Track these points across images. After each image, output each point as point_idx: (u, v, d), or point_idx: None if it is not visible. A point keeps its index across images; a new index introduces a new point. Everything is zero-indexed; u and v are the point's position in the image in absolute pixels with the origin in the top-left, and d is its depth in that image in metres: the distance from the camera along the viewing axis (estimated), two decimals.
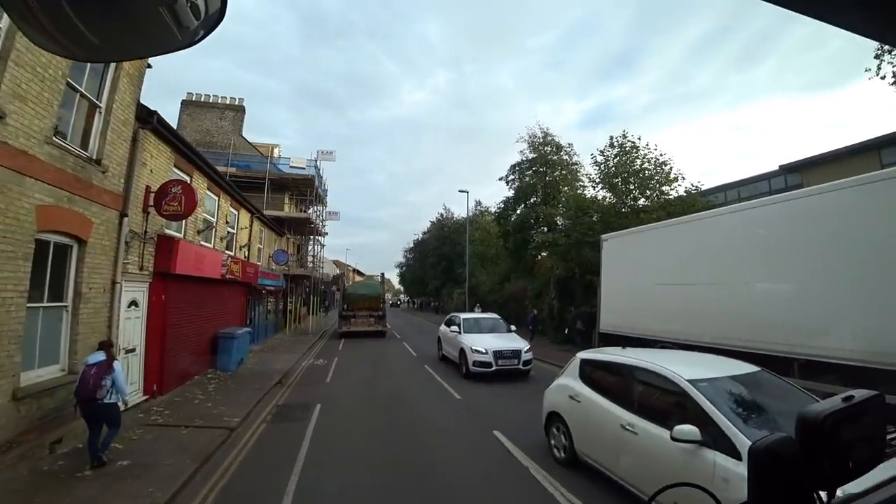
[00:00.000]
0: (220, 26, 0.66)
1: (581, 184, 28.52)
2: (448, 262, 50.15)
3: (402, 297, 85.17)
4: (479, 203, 49.37)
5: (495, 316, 14.57)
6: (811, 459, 0.76)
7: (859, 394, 0.85)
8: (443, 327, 14.65)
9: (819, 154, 19.70)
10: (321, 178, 25.70)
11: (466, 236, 33.53)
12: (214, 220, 12.64)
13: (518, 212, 30.02)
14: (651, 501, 1.29)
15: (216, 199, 12.78)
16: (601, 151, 20.44)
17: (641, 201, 18.57)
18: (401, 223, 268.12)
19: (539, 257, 25.50)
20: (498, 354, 11.30)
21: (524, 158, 30.75)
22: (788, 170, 21.59)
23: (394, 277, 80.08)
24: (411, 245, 62.22)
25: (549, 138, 30.23)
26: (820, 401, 0.90)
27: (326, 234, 29.94)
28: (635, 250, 10.95)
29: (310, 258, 29.95)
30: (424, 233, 59.19)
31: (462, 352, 11.98)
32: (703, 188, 18.91)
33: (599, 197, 20.22)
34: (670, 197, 18.08)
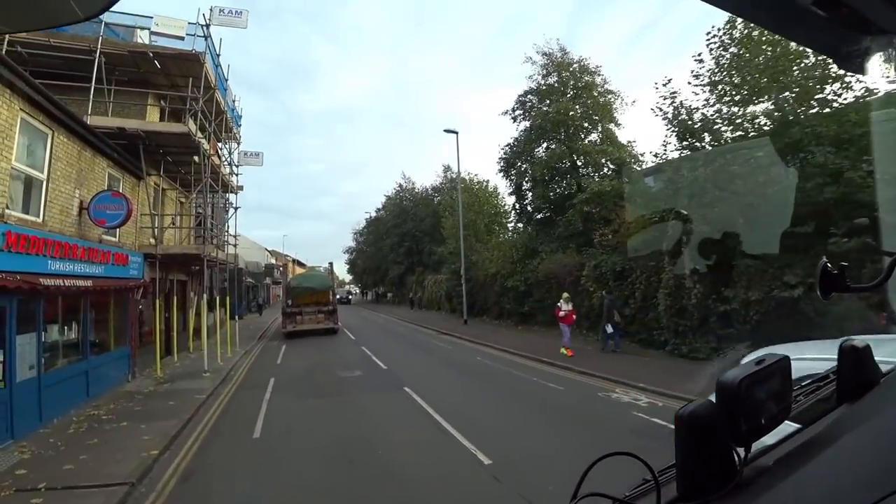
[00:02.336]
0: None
1: (617, 123, 20.34)
2: (413, 242, 39.90)
3: (349, 288, 72.61)
4: (447, 168, 39.32)
5: None
6: (729, 419, 0.79)
7: (770, 357, 0.89)
8: None
9: None
10: (218, 66, 13.75)
11: (458, 194, 23.24)
12: None
13: (540, 154, 20.46)
14: (585, 476, 0.95)
15: None
16: (710, 49, 11.50)
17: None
18: (340, 213, 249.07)
19: (593, 217, 15.89)
20: None
21: (536, 85, 21.38)
22: None
23: (341, 268, 67.86)
24: (363, 225, 51.01)
25: (570, 58, 21.00)
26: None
27: (241, 188, 18.04)
28: None
29: (224, 231, 17.76)
30: (378, 209, 48.24)
31: None
32: None
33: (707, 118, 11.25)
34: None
